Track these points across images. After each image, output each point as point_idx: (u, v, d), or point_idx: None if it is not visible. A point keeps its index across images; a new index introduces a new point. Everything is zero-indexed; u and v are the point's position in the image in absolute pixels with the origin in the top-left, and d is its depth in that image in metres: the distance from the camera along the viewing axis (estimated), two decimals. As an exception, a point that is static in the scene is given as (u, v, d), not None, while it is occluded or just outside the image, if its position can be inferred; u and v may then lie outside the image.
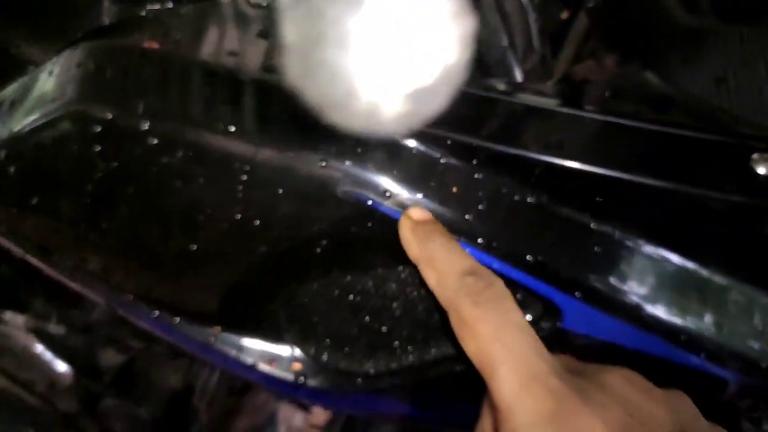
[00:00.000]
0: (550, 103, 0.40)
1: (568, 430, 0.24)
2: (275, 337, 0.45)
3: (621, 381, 0.28)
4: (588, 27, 0.49)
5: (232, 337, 0.45)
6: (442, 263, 0.30)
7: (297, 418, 1.53)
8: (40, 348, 0.82)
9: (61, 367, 0.84)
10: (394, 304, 0.43)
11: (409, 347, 0.45)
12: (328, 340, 0.45)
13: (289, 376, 0.46)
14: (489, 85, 0.42)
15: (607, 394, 0.26)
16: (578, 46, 0.50)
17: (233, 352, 0.45)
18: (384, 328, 0.44)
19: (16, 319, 0.80)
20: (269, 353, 0.45)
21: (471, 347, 0.28)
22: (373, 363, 0.45)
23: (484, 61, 0.45)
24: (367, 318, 0.44)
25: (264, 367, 0.45)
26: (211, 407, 0.85)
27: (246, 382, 0.92)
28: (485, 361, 0.27)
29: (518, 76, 0.46)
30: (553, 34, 0.49)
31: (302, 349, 0.46)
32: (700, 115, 0.43)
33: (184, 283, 0.43)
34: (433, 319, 0.43)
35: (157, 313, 0.45)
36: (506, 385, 0.25)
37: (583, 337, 0.41)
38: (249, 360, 0.45)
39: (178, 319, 0.45)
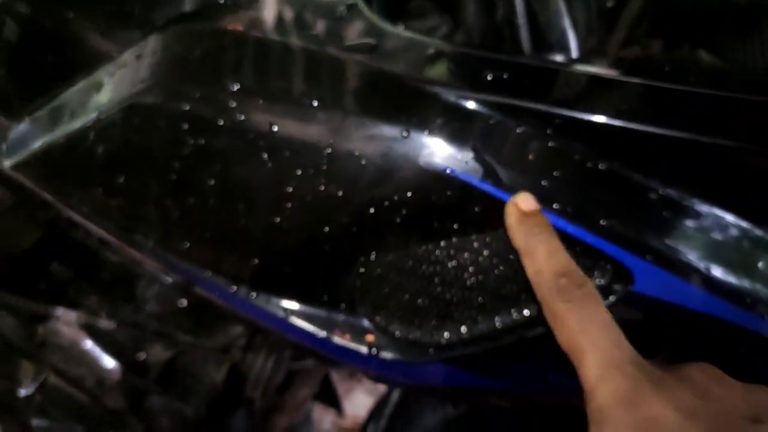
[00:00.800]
0: (616, 73, 0.42)
1: (640, 411, 0.26)
2: (349, 309, 0.47)
3: (695, 370, 0.30)
4: (640, 10, 0.51)
5: (306, 310, 0.47)
6: (542, 259, 0.34)
7: (327, 421, 1.54)
8: (89, 344, 0.84)
9: (109, 363, 0.85)
10: (466, 274, 0.45)
11: (479, 316, 0.46)
12: (400, 311, 0.47)
13: (363, 348, 0.47)
14: (554, 60, 0.44)
15: (679, 380, 0.29)
16: (630, 30, 0.52)
17: (307, 326, 0.47)
18: (456, 298, 0.46)
19: (67, 315, 0.81)
20: (343, 325, 0.47)
21: (562, 338, 0.31)
22: (444, 333, 0.47)
23: (545, 40, 0.47)
24: (439, 288, 0.46)
25: (338, 339, 0.47)
26: (265, 395, 0.86)
27: (287, 379, 0.93)
28: (574, 351, 0.30)
29: (576, 55, 0.47)
30: (605, 17, 0.51)
31: (374, 321, 0.47)
32: (758, 84, 0.44)
33: (264, 257, 0.45)
34: (505, 288, 0.45)
35: (235, 288, 0.47)
36: (590, 371, 0.29)
37: (653, 300, 0.42)
38: (322, 333, 0.47)
39: (254, 294, 0.47)
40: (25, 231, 0.82)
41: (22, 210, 0.80)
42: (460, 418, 0.83)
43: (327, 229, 0.43)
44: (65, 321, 0.82)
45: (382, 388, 1.64)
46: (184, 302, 0.79)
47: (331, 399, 1.26)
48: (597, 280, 0.43)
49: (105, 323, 0.82)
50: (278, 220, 0.43)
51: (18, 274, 0.84)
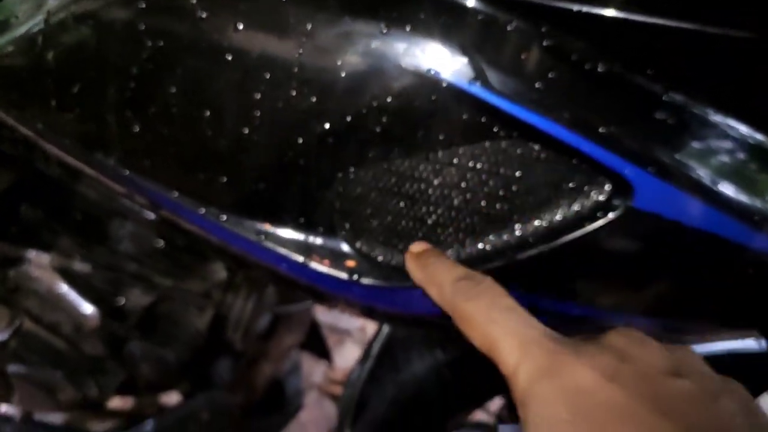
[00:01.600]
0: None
1: (563, 379, 0.26)
2: (327, 232, 0.44)
3: (615, 335, 0.30)
4: None
5: (282, 233, 0.43)
6: (439, 277, 0.35)
7: (317, 373, 1.53)
8: (64, 288, 0.80)
9: (87, 308, 0.82)
10: (453, 192, 0.41)
11: (467, 239, 0.43)
12: (382, 234, 0.44)
13: (343, 274, 0.44)
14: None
15: (599, 346, 0.29)
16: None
17: (283, 250, 0.44)
18: (442, 219, 0.42)
19: (40, 258, 0.78)
20: (321, 250, 0.44)
21: (474, 337, 0.30)
22: (429, 257, 0.44)
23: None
24: (423, 209, 0.42)
25: (316, 265, 0.44)
26: (246, 339, 0.84)
27: (272, 325, 0.90)
28: (486, 343, 0.30)
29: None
30: None
31: (355, 245, 0.44)
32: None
33: (233, 174, 0.41)
34: (494, 208, 0.42)
35: (203, 210, 0.43)
36: (508, 357, 0.28)
37: (653, 217, 0.39)
38: (300, 258, 0.43)
39: (225, 216, 0.43)
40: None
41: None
42: (450, 363, 0.81)
43: (300, 140, 0.39)
44: (38, 264, 0.79)
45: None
46: (160, 242, 0.76)
47: (321, 351, 1.25)
48: (595, 195, 0.40)
49: (80, 266, 0.78)
50: (246, 131, 0.39)
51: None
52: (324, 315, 1.16)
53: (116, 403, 0.95)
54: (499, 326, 0.29)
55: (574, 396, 0.25)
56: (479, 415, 0.98)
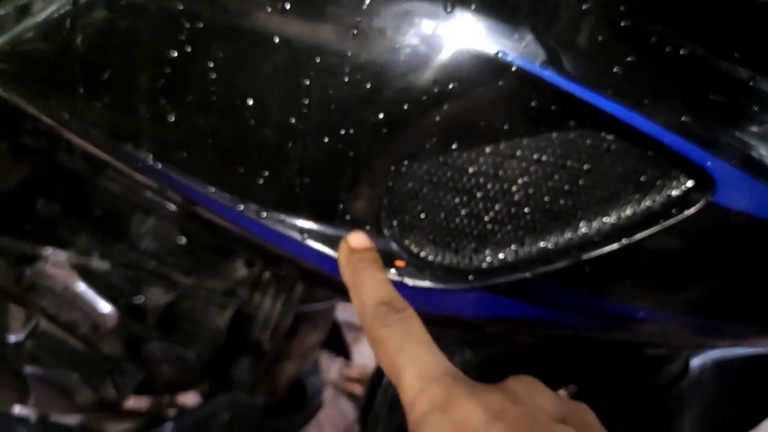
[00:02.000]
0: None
1: (453, 414, 0.28)
2: (375, 230, 0.41)
3: (513, 380, 0.31)
4: None
5: (326, 231, 0.40)
6: (365, 292, 0.34)
7: (333, 370, 1.51)
8: (82, 287, 0.78)
9: (105, 307, 0.80)
10: (515, 187, 0.38)
11: (527, 238, 0.40)
12: (433, 232, 0.41)
13: (391, 276, 0.41)
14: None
15: (494, 388, 0.30)
16: None
17: (327, 249, 0.41)
18: (500, 216, 0.39)
19: (57, 256, 0.75)
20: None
21: (383, 361, 0.32)
22: (485, 257, 0.40)
23: None
24: (481, 204, 0.39)
25: (362, 265, 0.40)
26: (273, 339, 0.81)
27: (294, 325, 0.87)
28: (393, 371, 0.31)
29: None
30: None
31: (404, 244, 0.41)
32: None
33: (276, 168, 0.38)
34: (558, 203, 0.39)
35: (242, 206, 0.40)
36: (409, 385, 0.29)
37: (735, 215, 0.36)
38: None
39: (265, 213, 0.40)
40: (10, 171, 0.75)
41: (5, 144, 0.73)
42: (479, 364, 0.78)
43: (352, 131, 0.36)
44: (54, 262, 0.76)
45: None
46: (182, 239, 0.73)
47: (338, 348, 1.22)
48: (669, 190, 0.37)
49: (98, 264, 0.75)
50: (293, 120, 0.36)
51: (2, 213, 0.77)
52: (341, 312, 1.13)
53: (134, 403, 0.93)
54: (406, 357, 0.30)
55: (461, 429, 0.27)
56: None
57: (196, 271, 0.78)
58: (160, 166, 0.40)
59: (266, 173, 0.39)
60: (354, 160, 0.37)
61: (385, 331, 0.32)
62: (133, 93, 0.38)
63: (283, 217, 0.41)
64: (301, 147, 0.37)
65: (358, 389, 1.42)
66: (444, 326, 0.69)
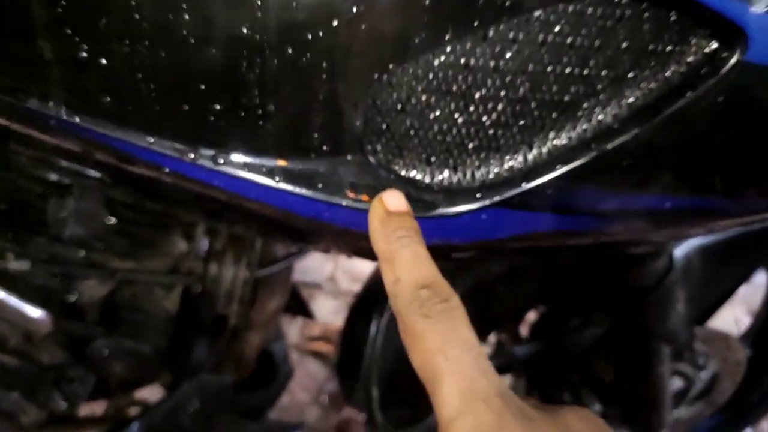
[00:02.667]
0: None
1: None
2: (358, 161, 0.34)
3: (573, 416, 0.27)
4: None
5: (302, 168, 0.33)
6: (403, 268, 0.28)
7: (293, 332, 1.44)
8: (1, 294, 0.67)
9: (34, 312, 0.69)
10: (518, 79, 0.32)
11: (536, 139, 0.34)
12: (427, 151, 0.34)
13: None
14: None
15: (552, 422, 0.26)
16: None
17: (306, 191, 0.34)
18: (504, 118, 0.34)
19: (-36, 264, 0.64)
20: (349, 182, 0.34)
21: (416, 358, 0.26)
22: (492, 168, 0.35)
23: None
24: (481, 107, 0.33)
25: (352, 202, 0.34)
26: (240, 309, 0.73)
27: (252, 292, 0.80)
28: (428, 373, 0.26)
29: None
30: None
31: (395, 170, 0.35)
32: None
33: (230, 98, 0.31)
34: (569, 92, 0.33)
35: (192, 154, 0.33)
36: (448, 399, 0.25)
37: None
38: (332, 197, 0.34)
39: (223, 159, 0.33)
40: None
41: None
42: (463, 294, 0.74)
43: (321, 34, 0.29)
44: (-37, 271, 0.64)
45: (345, 288, 1.56)
46: (111, 219, 0.63)
47: (295, 308, 1.15)
48: (692, 55, 0.32)
49: (15, 265, 0.65)
50: (246, 31, 0.28)
51: None
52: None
53: (92, 410, 0.84)
54: (450, 363, 0.25)
55: None
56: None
57: (132, 253, 0.69)
58: (78, 119, 0.31)
59: (218, 106, 0.31)
60: (328, 73, 0.30)
61: (425, 323, 0.26)
62: (26, 27, 0.29)
63: (247, 159, 0.33)
64: (260, 65, 0.29)
65: (323, 347, 1.37)
66: (461, 253, 0.64)
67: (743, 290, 0.82)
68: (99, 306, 0.73)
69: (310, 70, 0.30)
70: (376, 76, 0.31)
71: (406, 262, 0.28)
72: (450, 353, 0.26)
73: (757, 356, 0.97)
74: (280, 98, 0.31)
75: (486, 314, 0.75)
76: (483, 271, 0.69)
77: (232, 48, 0.29)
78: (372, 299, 0.70)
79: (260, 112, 0.31)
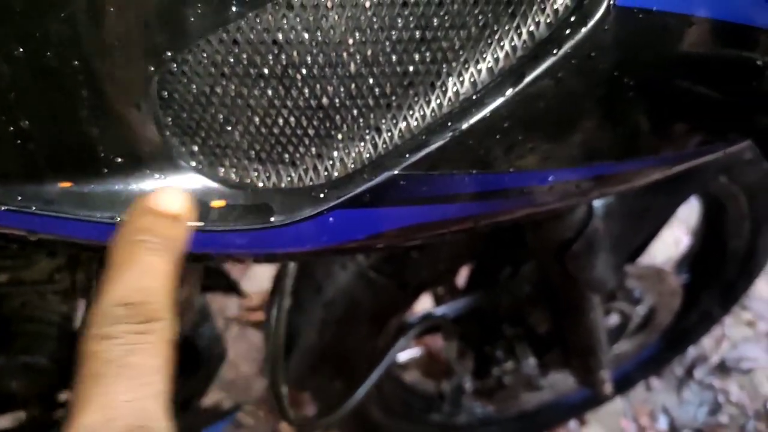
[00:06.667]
0: None
1: None
2: (171, 168, 0.27)
3: None
4: None
5: (92, 190, 0.27)
6: (118, 280, 0.22)
7: (232, 307, 1.39)
8: None
9: None
10: (346, 53, 0.26)
11: (383, 121, 0.28)
12: (251, 149, 0.28)
13: (214, 225, 0.28)
14: None
15: None
16: None
17: (100, 213, 0.27)
18: (336, 100, 0.27)
19: None
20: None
21: (75, 385, 0.21)
22: (334, 162, 0.29)
23: None
24: (306, 89, 0.27)
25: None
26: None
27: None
28: (75, 401, 0.21)
29: None
30: None
31: (218, 174, 0.28)
32: None
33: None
34: (413, 61, 0.27)
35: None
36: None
37: (647, 15, 0.26)
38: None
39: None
40: None
41: None
42: (375, 264, 0.69)
43: (57, 24, 0.21)
44: None
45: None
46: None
47: (227, 287, 1.09)
48: (557, 3, 0.26)
49: None
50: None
51: None
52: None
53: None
54: (100, 392, 0.20)
55: None
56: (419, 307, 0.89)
57: (7, 265, 0.61)
58: None
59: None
60: (81, 72, 0.23)
61: (102, 346, 0.21)
62: None
63: (22, 189, 0.26)
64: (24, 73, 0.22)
65: (262, 316, 1.31)
66: (316, 258, 0.58)
67: (682, 211, 0.79)
68: (-18, 324, 0.65)
69: (57, 71, 0.22)
70: (151, 68, 0.24)
71: (125, 274, 0.23)
72: (110, 379, 0.20)
73: (694, 279, 0.96)
74: (29, 110, 0.23)
75: (405, 282, 0.70)
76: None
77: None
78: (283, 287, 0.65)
79: (11, 130, 0.24)
